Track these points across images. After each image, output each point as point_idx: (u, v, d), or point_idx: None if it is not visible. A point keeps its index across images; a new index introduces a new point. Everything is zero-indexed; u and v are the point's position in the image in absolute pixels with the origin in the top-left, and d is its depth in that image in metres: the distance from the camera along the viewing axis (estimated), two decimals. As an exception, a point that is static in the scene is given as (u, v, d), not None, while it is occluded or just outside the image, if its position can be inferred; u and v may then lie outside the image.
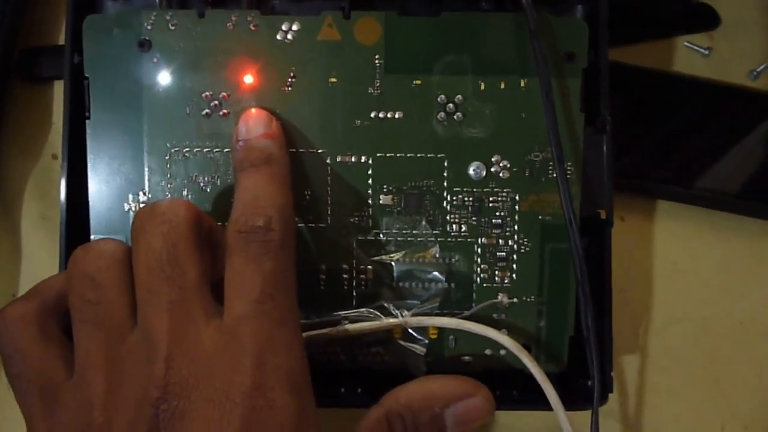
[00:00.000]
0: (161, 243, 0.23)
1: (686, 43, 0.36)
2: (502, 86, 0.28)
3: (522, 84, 0.28)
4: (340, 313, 0.29)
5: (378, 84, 0.28)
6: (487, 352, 0.29)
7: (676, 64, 0.36)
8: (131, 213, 0.28)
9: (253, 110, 0.27)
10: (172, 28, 0.28)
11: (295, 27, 0.28)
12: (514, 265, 0.29)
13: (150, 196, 0.28)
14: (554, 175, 0.28)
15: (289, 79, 0.28)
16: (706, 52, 0.36)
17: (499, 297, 0.29)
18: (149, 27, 0.28)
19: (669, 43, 0.36)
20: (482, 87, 0.28)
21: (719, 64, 0.36)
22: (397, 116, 0.28)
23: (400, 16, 0.28)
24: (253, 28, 0.28)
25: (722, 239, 0.35)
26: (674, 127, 0.35)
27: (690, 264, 0.35)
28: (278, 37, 0.28)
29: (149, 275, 0.23)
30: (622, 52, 0.35)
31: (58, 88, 0.32)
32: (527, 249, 0.29)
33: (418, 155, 0.28)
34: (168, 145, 0.28)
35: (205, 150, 0.28)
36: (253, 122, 0.27)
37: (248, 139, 0.26)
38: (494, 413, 0.26)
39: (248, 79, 0.28)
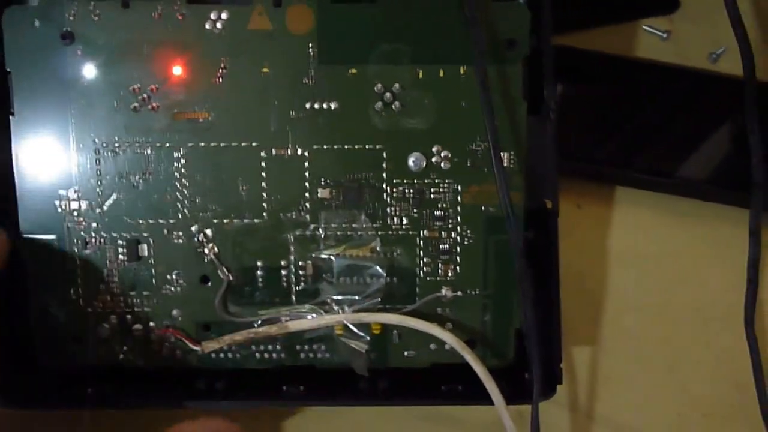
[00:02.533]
0: None
1: (645, 27, 0.35)
2: (441, 74, 0.27)
3: (462, 72, 0.27)
4: (280, 310, 0.28)
5: (312, 74, 0.27)
6: (432, 347, 0.29)
7: (636, 48, 0.35)
8: (60, 210, 0.27)
9: None
10: (96, 18, 0.26)
11: (224, 16, 0.27)
12: (458, 258, 0.28)
13: (80, 193, 0.27)
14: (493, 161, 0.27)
15: (220, 71, 0.27)
16: (665, 35, 0.35)
17: (443, 291, 0.28)
18: (72, 18, 0.26)
19: (628, 27, 0.35)
20: (420, 75, 0.27)
21: (679, 48, 0.35)
22: (333, 107, 0.27)
23: (333, 3, 0.27)
24: (179, 18, 0.27)
25: (680, 225, 0.35)
26: (632, 111, 0.34)
27: (647, 250, 0.35)
28: (207, 26, 0.27)
29: None
30: (580, 37, 0.34)
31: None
32: (471, 241, 0.28)
33: (356, 147, 0.28)
34: (96, 140, 0.27)
35: (135, 144, 0.27)
36: None
37: None
38: None
39: (177, 70, 0.27)
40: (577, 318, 0.34)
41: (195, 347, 0.28)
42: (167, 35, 0.27)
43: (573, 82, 0.34)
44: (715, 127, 0.34)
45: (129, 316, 0.28)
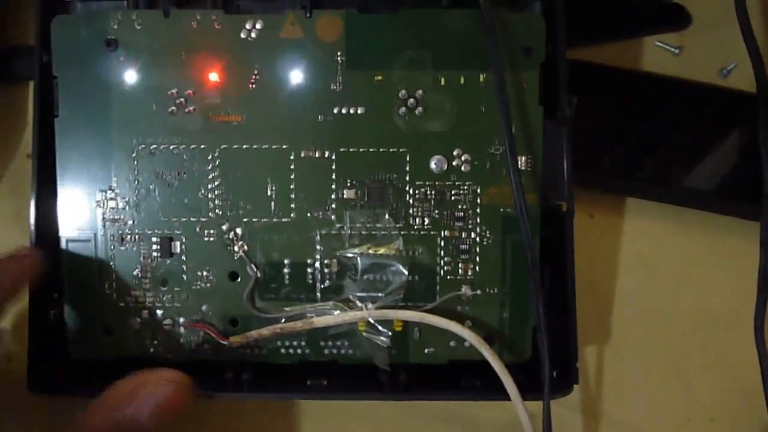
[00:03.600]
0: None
1: (657, 43, 0.36)
2: (462, 81, 0.29)
3: (481, 79, 0.29)
4: (305, 306, 0.29)
5: (340, 80, 0.29)
6: (452, 344, 0.30)
7: (647, 63, 0.36)
8: (99, 210, 0.29)
9: None
10: (138, 27, 0.28)
11: (258, 25, 0.28)
12: (477, 258, 0.29)
13: (118, 191, 0.29)
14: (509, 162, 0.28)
15: (253, 77, 0.29)
16: (677, 51, 0.36)
17: (463, 289, 0.30)
18: (116, 27, 0.28)
19: (640, 43, 0.36)
20: (442, 82, 0.29)
21: (690, 63, 0.36)
22: (359, 111, 0.29)
23: (360, 13, 0.28)
24: (217, 27, 0.28)
25: (689, 236, 0.36)
26: (644, 125, 0.35)
27: (656, 259, 0.35)
28: (242, 35, 0.28)
29: None
30: (594, 52, 0.35)
31: (33, 88, 0.33)
32: (489, 241, 0.29)
33: (380, 150, 0.29)
34: (134, 141, 0.29)
35: (171, 146, 0.29)
36: None
37: None
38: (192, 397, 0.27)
39: (213, 76, 0.28)
40: (589, 324, 0.35)
41: (223, 341, 0.29)
42: (204, 43, 0.28)
43: (586, 94, 0.35)
44: (723, 141, 0.35)
45: (160, 311, 0.29)
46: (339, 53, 0.28)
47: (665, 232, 0.36)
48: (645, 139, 0.36)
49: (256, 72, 0.28)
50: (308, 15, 0.28)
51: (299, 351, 0.30)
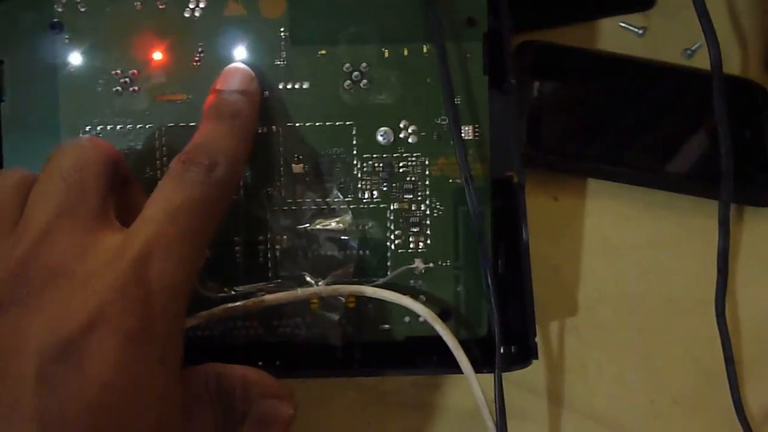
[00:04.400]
0: (71, 161, 0.23)
1: (621, 24, 0.36)
2: (406, 53, 0.29)
3: (425, 50, 0.29)
4: (256, 285, 0.29)
5: (284, 56, 0.29)
6: (406, 319, 0.29)
7: (611, 44, 0.36)
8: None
9: (239, 65, 0.28)
10: (83, 9, 0.28)
11: (201, 4, 0.29)
12: (428, 230, 0.29)
13: (65, 174, 0.29)
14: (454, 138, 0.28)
15: (198, 55, 0.29)
16: (641, 31, 0.36)
17: (415, 262, 0.29)
18: (60, 9, 0.28)
19: (604, 24, 0.36)
20: (386, 54, 0.29)
21: (654, 44, 0.36)
22: (304, 86, 0.29)
23: None
24: (161, 7, 0.29)
25: (653, 217, 0.35)
26: (607, 106, 0.36)
27: (621, 241, 0.35)
28: (185, 14, 0.29)
29: (48, 182, 0.23)
30: (557, 34, 0.35)
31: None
32: (440, 213, 0.29)
33: (327, 124, 0.29)
34: (81, 122, 0.29)
35: (117, 126, 0.29)
36: (232, 76, 0.27)
37: (222, 90, 0.27)
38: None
39: (157, 55, 0.29)
40: (554, 307, 0.34)
41: (174, 323, 0.29)
42: (148, 23, 0.28)
43: (548, 76, 0.35)
44: (688, 121, 0.35)
45: (110, 294, 0.29)
46: (282, 29, 0.29)
47: (628, 214, 0.35)
48: (609, 120, 0.36)
49: (200, 50, 0.29)
50: None
51: (252, 331, 0.29)
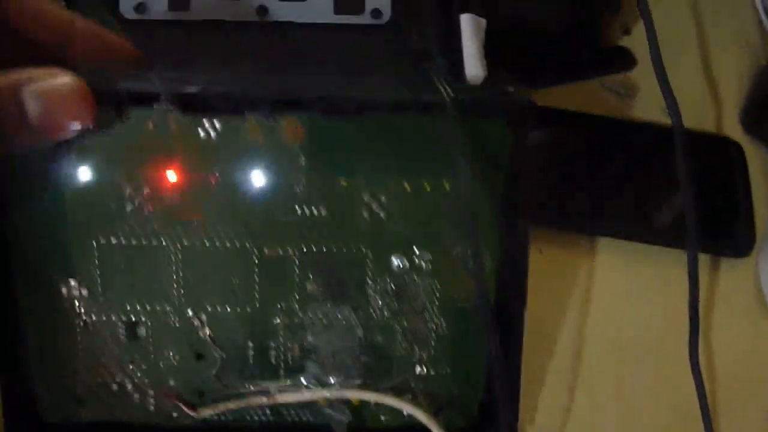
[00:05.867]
0: None
1: (604, 84, 0.38)
2: (426, 188, 0.28)
3: (446, 186, 0.28)
4: (269, 383, 0.31)
5: (303, 183, 0.28)
6: (405, 413, 0.32)
7: (594, 104, 0.37)
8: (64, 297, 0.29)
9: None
10: (91, 126, 0.27)
11: (218, 126, 0.27)
12: (433, 343, 0.31)
13: (80, 283, 0.29)
14: (473, 265, 0.29)
15: (213, 177, 0.28)
16: (623, 91, 0.38)
17: (417, 370, 0.31)
18: (67, 126, 0.27)
19: (587, 84, 0.37)
20: (407, 188, 0.28)
21: (635, 103, 0.38)
22: (322, 213, 0.29)
23: (323, 117, 0.27)
24: (174, 127, 0.27)
25: (630, 268, 0.38)
26: (588, 162, 0.36)
27: (601, 292, 0.38)
28: (201, 135, 0.27)
29: None
30: (543, 95, 0.36)
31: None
32: (446, 331, 0.31)
33: (344, 249, 0.29)
34: (94, 240, 0.28)
35: (132, 242, 0.28)
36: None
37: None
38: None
39: (171, 176, 0.28)
40: (540, 356, 0.37)
41: (191, 413, 0.31)
42: (161, 143, 0.27)
43: (538, 135, 0.36)
44: (664, 176, 0.36)
45: (129, 385, 0.31)
46: (302, 157, 0.28)
47: (608, 266, 0.38)
48: (589, 175, 0.37)
49: (216, 173, 0.28)
50: (270, 120, 0.27)
51: (263, 418, 0.32)
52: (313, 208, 0.28)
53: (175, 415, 0.31)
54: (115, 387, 0.31)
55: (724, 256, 0.40)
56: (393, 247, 0.29)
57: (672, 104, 0.31)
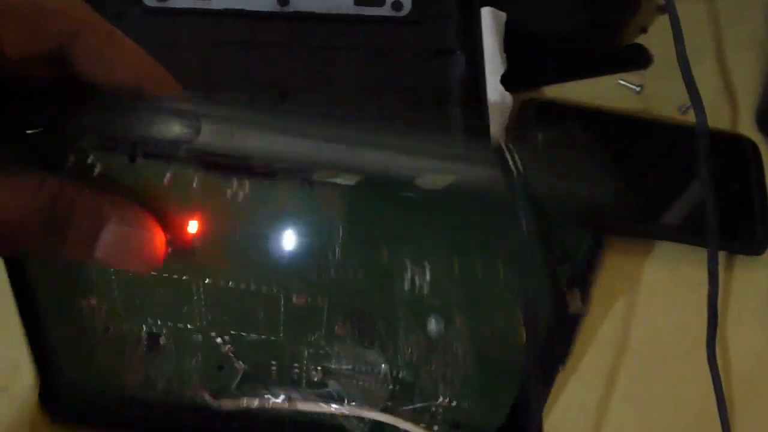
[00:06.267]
0: None
1: (620, 81, 0.39)
2: (477, 265, 0.25)
3: (501, 274, 0.25)
4: (291, 394, 0.31)
5: (338, 252, 0.25)
6: (422, 429, 0.32)
7: (611, 100, 0.38)
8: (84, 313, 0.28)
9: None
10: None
11: (246, 188, 0.23)
12: (455, 380, 0.30)
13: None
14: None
15: (240, 234, 0.25)
16: (638, 89, 0.39)
17: (440, 399, 0.31)
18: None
19: (604, 81, 0.39)
20: (455, 268, 0.25)
21: (651, 100, 0.39)
22: (358, 277, 0.26)
23: (366, 190, 0.23)
24: (195, 185, 0.23)
25: (642, 266, 0.37)
26: (605, 159, 0.36)
27: (617, 288, 0.37)
28: (228, 194, 0.24)
29: None
30: (559, 90, 0.38)
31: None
32: (475, 373, 0.29)
33: (377, 307, 0.27)
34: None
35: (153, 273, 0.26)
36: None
37: None
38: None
39: (193, 227, 0.25)
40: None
41: (214, 402, 0.31)
42: (182, 196, 0.24)
43: (550, 130, 0.36)
44: (681, 173, 0.37)
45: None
46: (340, 228, 0.24)
47: (626, 264, 0.37)
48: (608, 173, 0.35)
49: (241, 230, 0.25)
50: (306, 187, 0.23)
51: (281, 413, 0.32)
52: (350, 271, 0.26)
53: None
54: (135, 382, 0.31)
55: (740, 253, 0.39)
56: (431, 312, 0.27)
57: (697, 101, 0.32)
